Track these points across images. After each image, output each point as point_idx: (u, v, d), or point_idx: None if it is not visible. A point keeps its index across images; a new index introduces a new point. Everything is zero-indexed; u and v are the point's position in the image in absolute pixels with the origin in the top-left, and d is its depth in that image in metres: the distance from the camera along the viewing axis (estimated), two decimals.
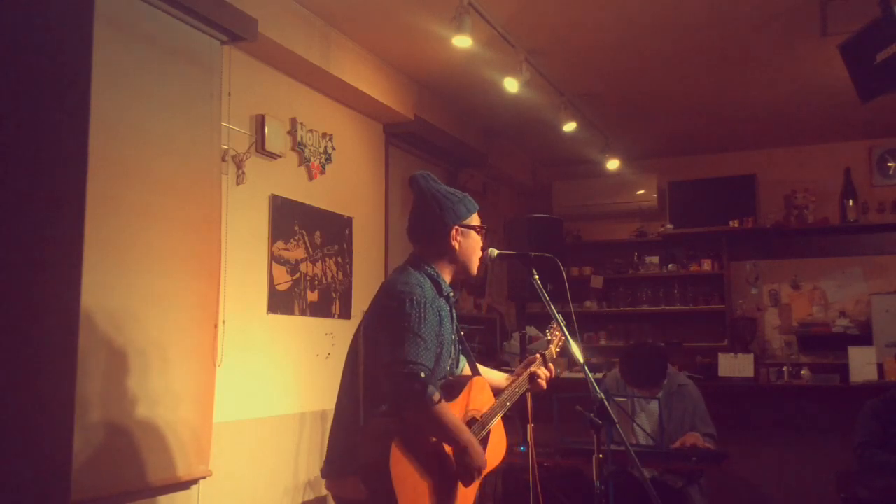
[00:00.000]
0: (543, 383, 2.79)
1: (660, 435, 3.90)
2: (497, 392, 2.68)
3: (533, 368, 2.78)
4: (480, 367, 2.79)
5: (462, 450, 2.37)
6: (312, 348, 4.43)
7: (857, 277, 6.67)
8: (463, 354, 2.71)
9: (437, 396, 2.26)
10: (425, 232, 2.60)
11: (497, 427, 2.65)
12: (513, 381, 2.76)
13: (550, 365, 2.83)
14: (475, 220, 2.64)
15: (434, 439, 2.37)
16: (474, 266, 2.66)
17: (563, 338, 2.92)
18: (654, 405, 4.10)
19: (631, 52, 4.81)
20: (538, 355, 2.84)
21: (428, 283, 2.48)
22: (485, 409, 2.59)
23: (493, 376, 2.82)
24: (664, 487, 3.90)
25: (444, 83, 5.32)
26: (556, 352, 2.94)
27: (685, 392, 4.19)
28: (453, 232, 2.56)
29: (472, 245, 2.62)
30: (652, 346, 4.58)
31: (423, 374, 2.25)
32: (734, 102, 5.77)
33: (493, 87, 4.91)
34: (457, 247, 2.57)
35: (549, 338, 2.97)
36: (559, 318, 2.76)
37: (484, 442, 2.56)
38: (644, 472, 2.61)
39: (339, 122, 4.82)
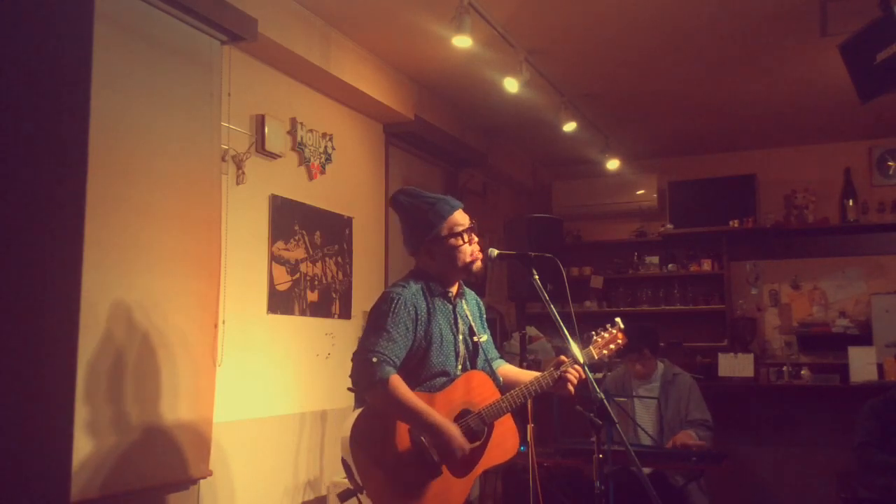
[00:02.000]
0: (572, 388, 2.65)
1: (658, 426, 3.93)
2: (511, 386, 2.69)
3: (564, 369, 2.64)
4: (505, 366, 2.83)
5: (433, 433, 2.43)
6: (312, 348, 4.43)
7: (857, 277, 6.67)
8: (483, 352, 2.73)
9: (388, 376, 2.37)
10: (408, 249, 2.77)
11: (504, 422, 2.64)
12: (533, 379, 2.69)
13: (577, 367, 2.65)
14: (449, 224, 2.64)
15: (410, 428, 2.45)
16: (459, 263, 2.66)
17: (619, 343, 2.84)
18: (652, 402, 4.14)
19: (631, 52, 4.81)
20: (562, 357, 2.69)
21: (416, 286, 2.59)
22: (485, 403, 2.59)
23: (519, 375, 2.81)
24: (665, 484, 3.91)
25: (444, 83, 5.31)
26: (605, 353, 2.83)
27: (679, 381, 4.32)
28: (422, 251, 2.67)
29: (448, 251, 2.64)
30: (638, 322, 4.84)
31: (374, 359, 2.37)
32: (734, 102, 5.77)
33: (493, 87, 4.91)
34: (432, 259, 2.66)
35: (597, 338, 2.83)
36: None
37: (486, 436, 2.57)
38: (644, 470, 2.61)
39: (339, 122, 4.82)
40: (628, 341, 4.26)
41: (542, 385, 2.65)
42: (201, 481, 3.44)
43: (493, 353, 2.86)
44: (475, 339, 2.70)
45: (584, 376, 2.66)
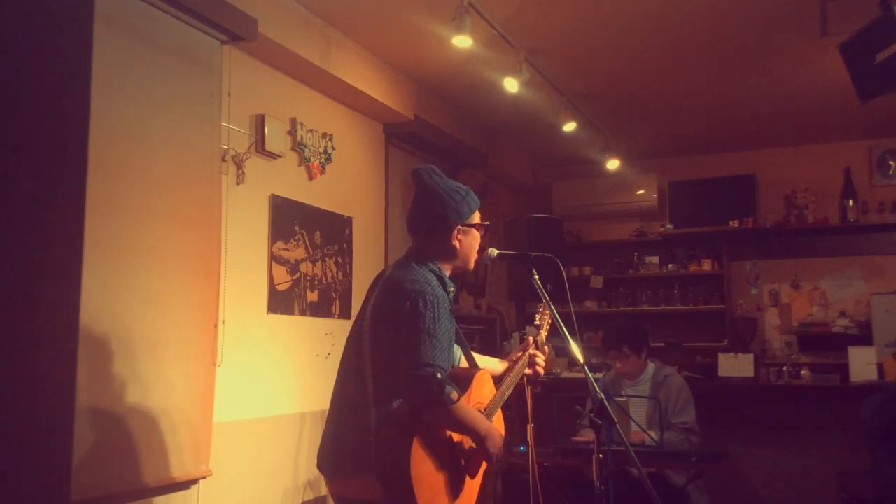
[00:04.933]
0: (541, 369, 2.81)
1: (648, 427, 3.94)
2: (494, 379, 2.72)
3: (531, 351, 2.80)
4: (475, 355, 2.79)
5: (482, 439, 2.43)
6: (312, 348, 4.43)
7: (857, 277, 6.67)
8: (458, 344, 2.68)
9: (454, 395, 2.27)
10: (426, 228, 2.58)
11: (496, 416, 2.66)
12: (510, 370, 2.78)
13: (545, 348, 2.86)
14: (476, 217, 2.64)
15: (449, 434, 2.41)
16: (472, 262, 2.67)
17: (552, 321, 2.92)
18: (640, 402, 4.14)
19: (631, 53, 4.81)
20: (529, 338, 2.84)
21: (434, 280, 2.46)
22: (487, 401, 2.60)
23: (487, 364, 2.82)
24: (664, 484, 3.90)
25: (444, 83, 5.31)
26: (545, 335, 2.94)
27: (669, 382, 4.28)
28: (455, 231, 2.55)
29: (472, 243, 2.62)
30: (627, 320, 4.81)
31: (439, 376, 2.24)
32: (734, 102, 5.77)
33: (493, 87, 4.91)
34: (458, 245, 2.56)
35: (538, 322, 2.96)
36: (546, 298, 2.69)
37: None
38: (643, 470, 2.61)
39: (339, 122, 4.82)
40: (606, 339, 4.32)
41: (520, 376, 2.77)
42: (201, 481, 3.44)
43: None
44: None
45: (546, 357, 2.84)
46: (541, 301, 2.72)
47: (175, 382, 3.24)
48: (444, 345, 2.32)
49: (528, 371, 2.82)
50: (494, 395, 2.63)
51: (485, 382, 2.63)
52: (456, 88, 5.41)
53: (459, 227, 2.55)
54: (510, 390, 2.72)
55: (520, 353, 2.84)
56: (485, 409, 2.57)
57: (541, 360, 2.82)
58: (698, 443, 4.13)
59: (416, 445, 2.25)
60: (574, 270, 7.33)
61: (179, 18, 3.36)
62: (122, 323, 3.02)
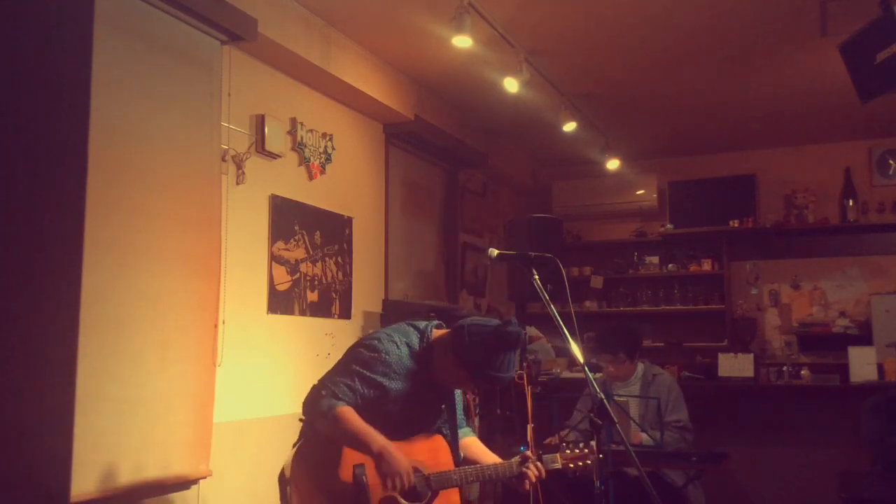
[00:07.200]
0: (528, 486, 2.62)
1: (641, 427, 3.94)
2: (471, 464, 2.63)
3: (532, 463, 2.62)
4: (469, 438, 2.78)
5: (377, 455, 2.37)
6: (312, 348, 4.43)
7: (857, 277, 6.67)
8: (448, 418, 2.69)
9: (334, 408, 2.35)
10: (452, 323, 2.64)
11: (449, 495, 2.57)
12: (493, 464, 2.65)
13: (538, 465, 2.65)
14: (472, 375, 2.51)
15: (361, 457, 2.40)
16: (440, 379, 2.58)
17: (587, 463, 2.68)
18: (633, 402, 4.14)
19: (631, 52, 4.81)
20: (528, 452, 2.67)
21: (410, 350, 2.54)
22: (436, 469, 2.54)
23: (479, 454, 2.75)
24: (662, 483, 3.91)
25: (444, 83, 5.32)
26: (569, 467, 2.71)
27: (659, 381, 4.28)
28: (434, 333, 2.62)
29: (442, 364, 2.54)
30: (622, 322, 4.80)
31: (324, 392, 2.38)
32: (734, 102, 5.77)
33: (493, 87, 4.91)
34: (433, 349, 2.57)
35: (568, 451, 2.74)
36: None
37: (427, 502, 2.52)
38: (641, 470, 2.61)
39: (339, 122, 4.82)
40: (598, 342, 4.30)
41: (499, 474, 2.62)
42: (201, 481, 3.44)
43: (460, 417, 2.77)
44: (442, 406, 2.66)
45: (544, 476, 2.65)
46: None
47: (175, 382, 3.24)
48: (355, 387, 2.42)
49: (509, 474, 2.62)
50: (451, 469, 2.55)
51: (439, 449, 2.60)
52: (456, 88, 5.41)
53: (441, 339, 2.57)
54: (474, 479, 2.57)
55: (516, 460, 2.66)
56: (430, 473, 2.50)
57: (532, 475, 2.61)
58: (693, 440, 4.14)
59: (301, 453, 2.43)
60: (574, 270, 7.33)
61: (179, 18, 3.36)
62: (121, 323, 3.03)
